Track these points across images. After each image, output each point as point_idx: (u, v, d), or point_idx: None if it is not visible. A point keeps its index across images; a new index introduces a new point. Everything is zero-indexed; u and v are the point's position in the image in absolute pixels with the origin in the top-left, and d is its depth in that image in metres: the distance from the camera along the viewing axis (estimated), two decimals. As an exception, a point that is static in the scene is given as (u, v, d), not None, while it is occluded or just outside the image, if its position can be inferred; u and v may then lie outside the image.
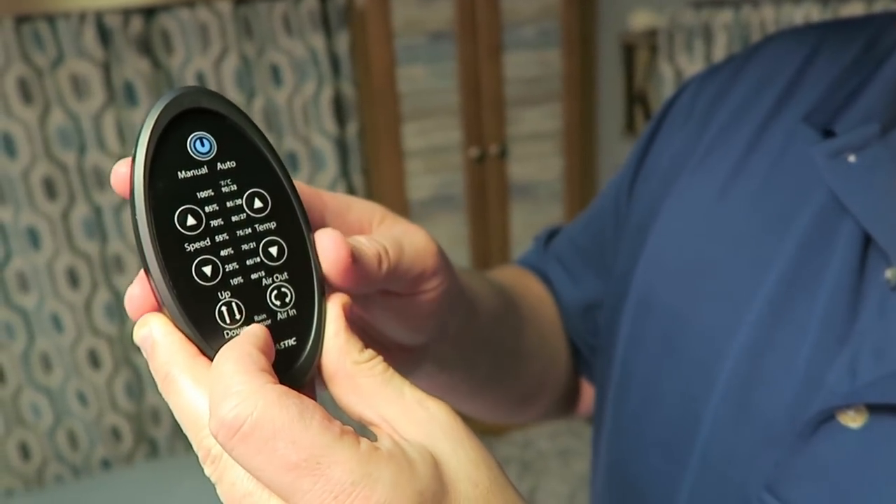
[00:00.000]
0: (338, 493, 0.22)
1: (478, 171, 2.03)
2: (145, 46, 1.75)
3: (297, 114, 1.89)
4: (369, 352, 0.27)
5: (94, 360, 1.91)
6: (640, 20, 1.80)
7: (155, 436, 2.01)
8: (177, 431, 2.01)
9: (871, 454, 0.32)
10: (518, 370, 0.51)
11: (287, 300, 0.27)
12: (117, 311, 1.89)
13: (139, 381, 1.97)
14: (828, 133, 0.39)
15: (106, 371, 1.92)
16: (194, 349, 0.25)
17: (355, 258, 0.28)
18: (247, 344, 0.25)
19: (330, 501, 0.22)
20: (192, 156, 0.27)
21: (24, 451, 1.93)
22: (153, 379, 1.79)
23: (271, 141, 1.88)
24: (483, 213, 2.08)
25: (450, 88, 1.96)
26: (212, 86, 1.78)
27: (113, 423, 1.96)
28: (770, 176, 0.41)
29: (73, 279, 1.84)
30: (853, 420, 0.33)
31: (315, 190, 0.31)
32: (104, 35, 1.72)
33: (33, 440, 1.92)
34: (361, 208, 0.33)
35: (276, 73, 1.86)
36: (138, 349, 2.07)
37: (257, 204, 0.28)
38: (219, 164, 0.27)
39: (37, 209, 1.77)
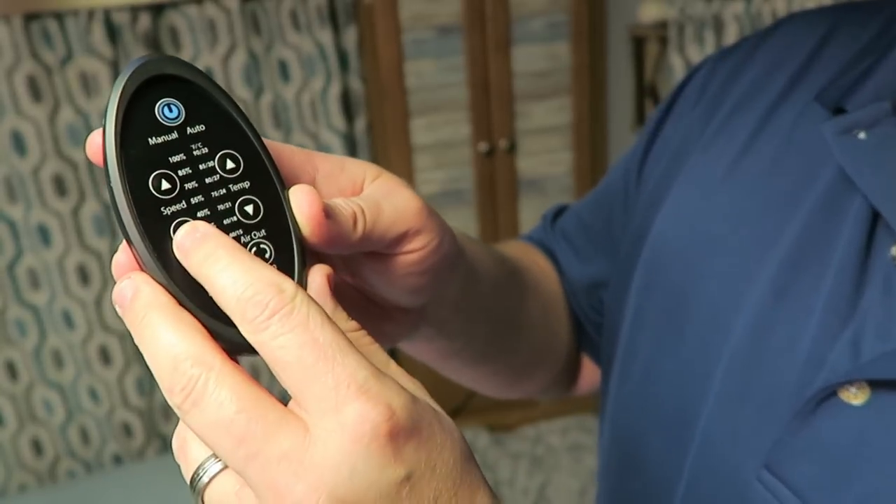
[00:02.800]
0: (350, 384, 0.23)
1: (487, 165, 2.02)
2: (153, 43, 1.75)
3: (305, 109, 1.89)
4: (354, 323, 0.27)
5: (105, 357, 1.92)
6: (650, 12, 1.78)
7: (166, 431, 2.02)
8: (188, 427, 2.02)
9: (872, 431, 0.32)
10: (518, 341, 0.51)
11: (266, 256, 0.28)
12: (128, 307, 1.89)
13: (150, 377, 1.97)
14: (838, 111, 0.39)
15: (117, 368, 1.93)
16: (173, 299, 0.26)
17: (329, 215, 0.29)
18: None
19: (342, 390, 0.23)
20: (161, 122, 0.27)
21: (37, 448, 1.94)
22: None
23: (276, 133, 1.84)
24: (492, 207, 2.07)
25: (458, 83, 1.95)
26: (220, 82, 1.78)
27: (124, 419, 1.97)
28: (779, 155, 0.41)
29: (84, 276, 1.85)
30: (855, 397, 0.32)
31: (307, 152, 0.32)
32: (112, 32, 1.72)
33: (46, 436, 1.93)
34: (354, 168, 0.33)
35: (284, 69, 1.86)
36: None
37: (229, 165, 0.28)
38: (188, 128, 0.28)
39: (47, 207, 1.78)
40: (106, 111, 0.26)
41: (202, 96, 0.28)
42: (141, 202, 0.26)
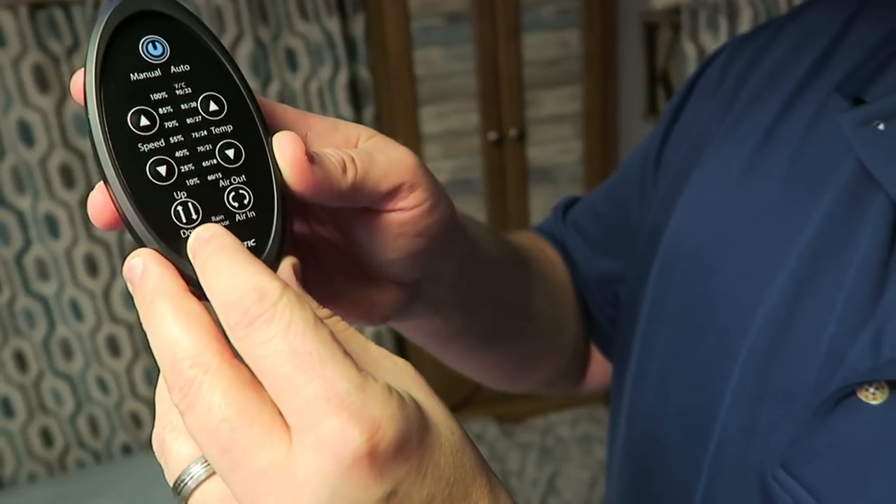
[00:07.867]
0: (330, 397, 0.22)
1: (496, 154, 2.00)
2: (160, 32, 1.74)
3: (313, 99, 1.87)
4: (326, 310, 0.26)
5: (114, 348, 1.92)
6: (662, -2, 1.75)
7: (175, 422, 2.02)
8: (197, 418, 2.02)
9: (890, 431, 0.31)
10: (523, 329, 0.50)
11: (245, 202, 0.28)
12: (136, 298, 1.89)
13: (158, 367, 1.98)
14: (858, 102, 0.38)
15: (125, 358, 1.93)
16: (183, 285, 0.25)
17: (314, 160, 0.28)
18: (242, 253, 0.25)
19: (321, 404, 0.22)
20: (144, 58, 0.27)
21: (47, 438, 1.95)
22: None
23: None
24: (502, 197, 2.05)
25: (467, 71, 1.93)
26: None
27: (133, 410, 1.97)
28: (799, 147, 0.40)
29: (92, 266, 1.85)
30: (874, 397, 0.32)
31: (301, 112, 0.31)
32: (119, 21, 1.71)
33: (55, 426, 1.94)
34: (348, 129, 0.33)
35: (291, 58, 1.84)
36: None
37: (213, 107, 0.28)
38: (172, 67, 0.27)
39: (55, 197, 1.77)
40: (89, 43, 0.26)
41: (189, 36, 0.28)
42: (118, 137, 0.26)
